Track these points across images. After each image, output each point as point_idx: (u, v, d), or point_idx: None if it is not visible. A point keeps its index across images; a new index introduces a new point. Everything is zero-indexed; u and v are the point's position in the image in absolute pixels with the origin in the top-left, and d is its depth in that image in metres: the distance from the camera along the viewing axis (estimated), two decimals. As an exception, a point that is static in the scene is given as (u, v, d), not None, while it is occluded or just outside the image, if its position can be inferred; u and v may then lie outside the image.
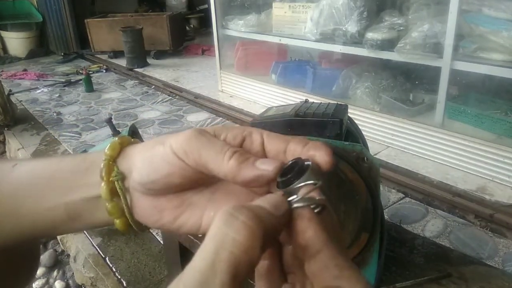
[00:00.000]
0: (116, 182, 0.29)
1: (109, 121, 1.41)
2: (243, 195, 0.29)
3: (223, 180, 0.27)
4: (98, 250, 1.17)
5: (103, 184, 0.29)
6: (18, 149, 1.96)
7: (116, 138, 0.31)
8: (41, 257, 1.39)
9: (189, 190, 0.29)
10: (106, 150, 0.30)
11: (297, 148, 0.26)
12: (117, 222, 0.31)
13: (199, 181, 0.28)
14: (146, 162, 0.28)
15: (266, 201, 0.22)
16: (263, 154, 0.27)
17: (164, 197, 0.29)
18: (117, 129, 1.36)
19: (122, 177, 0.29)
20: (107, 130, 1.58)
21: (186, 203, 0.29)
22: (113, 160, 0.30)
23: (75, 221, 0.32)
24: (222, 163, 0.25)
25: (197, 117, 2.29)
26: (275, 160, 0.25)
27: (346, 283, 0.20)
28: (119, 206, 0.30)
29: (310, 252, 0.21)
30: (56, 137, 2.07)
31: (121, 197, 0.30)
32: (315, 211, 0.22)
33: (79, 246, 1.22)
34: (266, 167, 0.24)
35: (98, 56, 3.87)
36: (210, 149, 0.26)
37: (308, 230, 0.21)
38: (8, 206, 0.31)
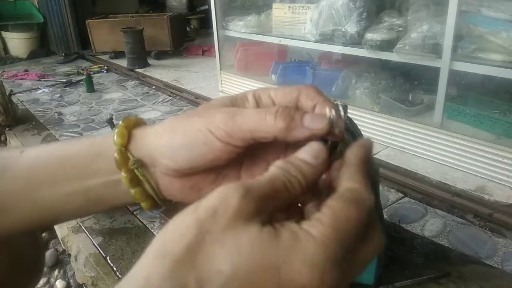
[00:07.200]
0: (136, 170, 0.29)
1: (110, 121, 1.41)
2: (270, 158, 0.30)
3: (248, 148, 0.28)
4: (99, 249, 1.18)
5: (123, 173, 0.29)
6: (19, 150, 1.97)
7: (120, 122, 0.31)
8: (42, 256, 1.40)
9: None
10: (115, 138, 0.30)
11: (307, 103, 0.28)
12: (143, 204, 0.31)
13: (235, 155, 0.29)
14: (181, 149, 0.28)
15: (309, 152, 0.25)
16: None
17: (198, 175, 0.29)
18: (118, 129, 1.37)
19: (141, 164, 0.29)
20: (108, 130, 1.59)
21: (220, 177, 0.30)
22: (125, 148, 0.30)
23: (96, 205, 0.32)
24: (270, 127, 0.26)
25: (198, 117, 2.29)
26: (321, 116, 0.26)
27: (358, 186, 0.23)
28: (144, 191, 0.30)
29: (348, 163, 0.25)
30: (57, 137, 2.08)
31: (146, 184, 0.30)
32: None
33: (80, 246, 1.22)
34: (316, 127, 0.26)
35: (99, 56, 3.87)
36: (251, 121, 0.26)
37: (359, 150, 0.25)
38: (23, 191, 0.31)
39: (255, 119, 0.26)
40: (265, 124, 0.26)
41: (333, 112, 0.26)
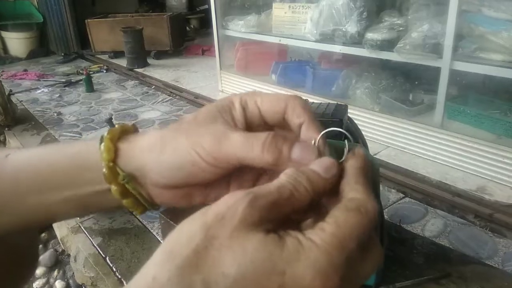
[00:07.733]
0: (126, 185, 0.29)
1: (109, 121, 1.41)
2: (258, 168, 0.29)
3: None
4: (99, 250, 1.18)
5: (113, 186, 0.29)
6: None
7: (106, 134, 0.30)
8: (42, 257, 1.40)
9: None
10: (102, 153, 0.29)
11: (293, 120, 0.28)
12: (135, 211, 0.31)
13: (223, 176, 0.29)
14: (170, 167, 0.28)
15: (320, 165, 0.25)
16: (264, 123, 0.30)
17: (189, 187, 0.30)
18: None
19: (131, 178, 0.29)
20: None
21: (210, 186, 0.30)
22: (113, 163, 0.29)
23: (86, 210, 0.33)
24: (257, 159, 0.26)
25: (197, 117, 2.29)
26: (309, 148, 0.26)
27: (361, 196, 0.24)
28: (136, 200, 0.31)
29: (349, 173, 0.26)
30: (56, 137, 2.08)
31: (137, 196, 0.30)
32: None
33: (79, 246, 1.22)
34: (304, 161, 0.26)
35: (99, 56, 3.87)
36: (238, 149, 0.26)
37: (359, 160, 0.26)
38: (9, 196, 0.30)
39: (242, 148, 0.26)
40: (252, 155, 0.26)
41: (320, 141, 0.27)
